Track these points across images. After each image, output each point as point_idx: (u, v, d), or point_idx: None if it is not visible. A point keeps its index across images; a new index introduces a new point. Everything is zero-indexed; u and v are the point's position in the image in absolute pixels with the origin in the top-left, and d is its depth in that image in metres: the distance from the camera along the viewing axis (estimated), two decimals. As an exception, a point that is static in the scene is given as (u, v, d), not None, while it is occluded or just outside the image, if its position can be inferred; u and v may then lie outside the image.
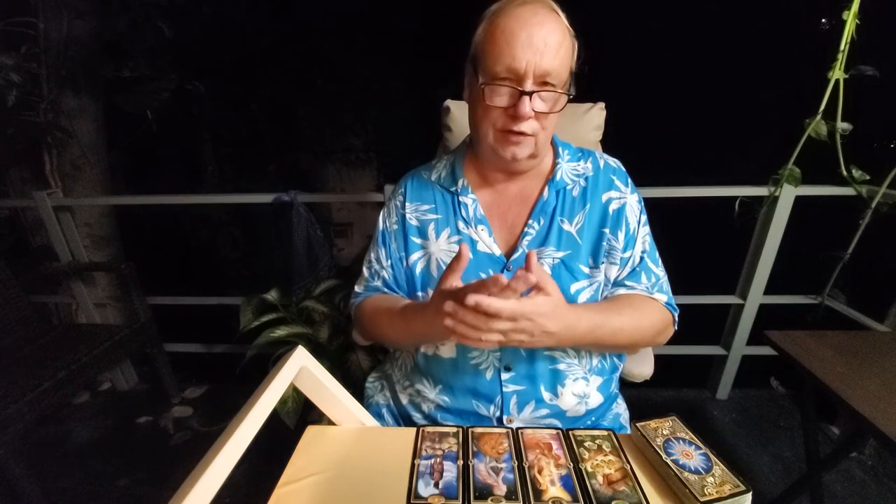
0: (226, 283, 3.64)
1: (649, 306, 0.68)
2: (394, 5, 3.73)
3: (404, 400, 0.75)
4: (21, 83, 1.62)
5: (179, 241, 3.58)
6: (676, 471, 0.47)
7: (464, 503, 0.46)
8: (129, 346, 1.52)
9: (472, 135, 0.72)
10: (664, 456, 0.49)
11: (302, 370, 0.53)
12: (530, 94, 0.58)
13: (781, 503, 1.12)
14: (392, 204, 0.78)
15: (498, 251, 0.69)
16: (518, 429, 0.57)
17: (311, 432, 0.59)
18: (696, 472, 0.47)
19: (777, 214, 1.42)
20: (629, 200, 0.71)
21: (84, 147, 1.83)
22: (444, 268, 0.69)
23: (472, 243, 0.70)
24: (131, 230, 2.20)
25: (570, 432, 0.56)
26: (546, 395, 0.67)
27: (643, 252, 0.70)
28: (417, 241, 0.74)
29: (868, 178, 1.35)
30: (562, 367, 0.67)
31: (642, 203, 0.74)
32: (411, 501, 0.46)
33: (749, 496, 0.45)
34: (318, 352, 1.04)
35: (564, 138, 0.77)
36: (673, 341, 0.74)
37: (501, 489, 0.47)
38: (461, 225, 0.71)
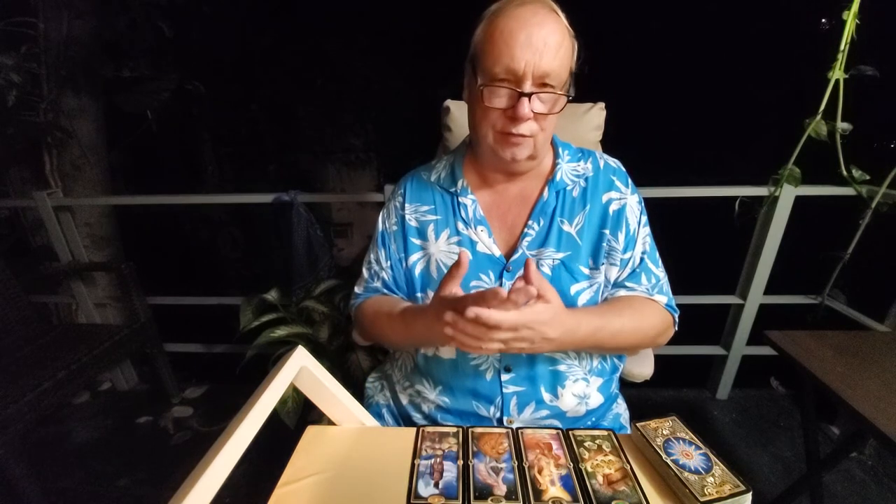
0: (226, 283, 3.64)
1: (649, 308, 0.68)
2: (394, 5, 3.73)
3: (404, 400, 0.75)
4: (21, 83, 1.62)
5: (179, 241, 3.58)
6: (676, 471, 0.47)
7: (464, 503, 0.46)
8: (129, 346, 1.52)
9: (471, 136, 0.72)
10: (664, 456, 0.49)
11: (302, 370, 0.53)
12: (529, 95, 0.58)
13: (781, 503, 1.12)
14: (391, 205, 0.78)
15: (497, 252, 0.69)
16: (518, 429, 0.57)
17: (311, 432, 0.59)
18: (696, 472, 0.47)
19: (777, 214, 1.42)
20: (629, 201, 0.70)
21: (84, 147, 1.83)
22: (444, 269, 0.70)
23: (472, 244, 0.70)
24: (131, 230, 2.20)
25: (570, 432, 0.56)
26: (546, 397, 0.67)
27: (643, 253, 0.70)
28: (417, 242, 0.74)
29: (868, 178, 1.35)
30: (562, 368, 0.67)
31: (642, 203, 0.73)
32: (411, 501, 0.46)
33: (749, 496, 0.45)
34: (318, 352, 1.04)
35: (564, 138, 0.77)
36: (673, 341, 0.74)
37: (501, 489, 0.47)
38: (461, 226, 0.71)
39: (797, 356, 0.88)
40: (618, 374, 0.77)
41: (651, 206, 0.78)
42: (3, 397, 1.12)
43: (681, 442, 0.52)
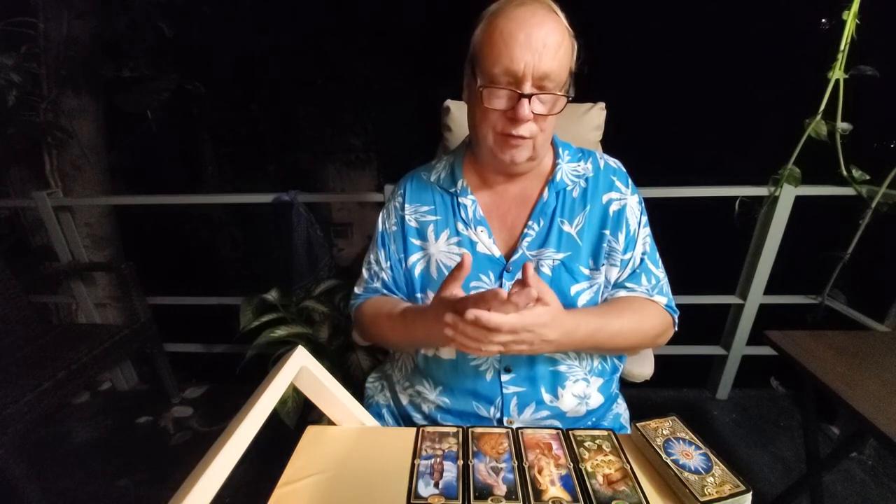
0: (226, 283, 3.64)
1: (649, 309, 0.68)
2: (394, 5, 3.73)
3: (404, 400, 0.75)
4: (21, 83, 1.62)
5: (179, 241, 3.58)
6: (676, 471, 0.47)
7: (464, 503, 0.46)
8: (129, 346, 1.52)
9: (471, 136, 0.72)
10: (664, 456, 0.49)
11: (302, 370, 0.53)
12: (529, 96, 0.58)
13: (781, 503, 1.12)
14: (391, 205, 0.78)
15: (497, 252, 0.69)
16: (518, 429, 0.57)
17: (311, 432, 0.59)
18: (696, 472, 0.47)
19: (777, 214, 1.42)
20: (629, 201, 0.70)
21: (84, 147, 1.83)
22: (444, 269, 0.70)
23: (472, 244, 0.70)
24: (131, 230, 2.20)
25: (570, 432, 0.56)
26: (546, 397, 0.67)
27: (643, 254, 0.70)
28: (417, 242, 0.73)
29: (868, 178, 1.35)
30: (562, 368, 0.67)
31: (643, 204, 0.73)
32: (411, 501, 0.46)
33: (749, 496, 0.45)
34: (318, 352, 1.04)
35: (564, 138, 0.77)
36: (673, 341, 0.74)
37: (501, 489, 0.47)
38: (460, 226, 0.71)
39: (797, 356, 0.88)
40: (618, 375, 0.77)
41: (651, 206, 0.78)
42: (3, 397, 1.12)
43: (681, 442, 0.52)
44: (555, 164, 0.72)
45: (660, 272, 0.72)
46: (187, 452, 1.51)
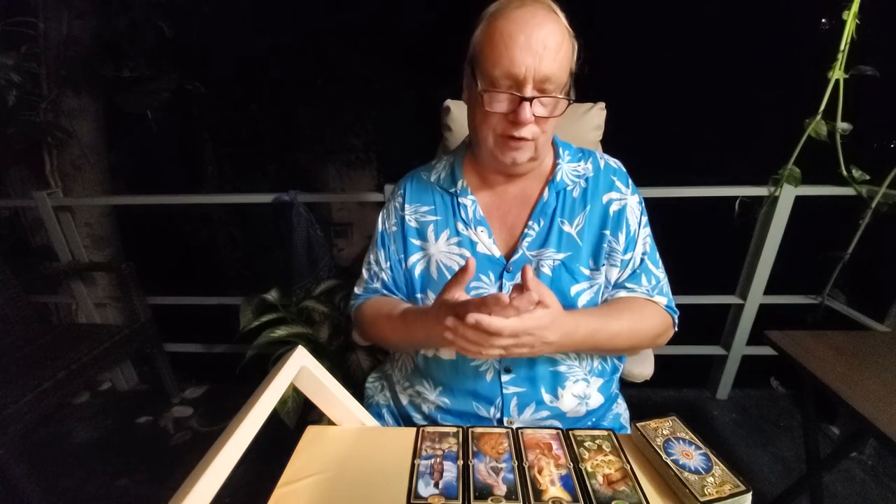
0: (226, 283, 3.64)
1: (649, 309, 0.68)
2: (394, 5, 3.73)
3: (404, 400, 0.75)
4: (21, 83, 1.63)
5: (179, 241, 3.59)
6: (676, 471, 0.47)
7: (464, 503, 0.46)
8: (129, 346, 1.52)
9: (471, 137, 0.72)
10: (664, 456, 0.49)
11: (302, 370, 0.53)
12: (530, 99, 0.57)
13: (781, 503, 1.12)
14: (391, 205, 0.78)
15: (497, 253, 0.69)
16: (518, 429, 0.57)
17: (311, 432, 0.59)
18: (696, 472, 0.47)
19: (777, 214, 1.42)
20: (630, 202, 0.70)
21: (84, 147, 1.83)
22: (444, 269, 0.70)
23: (472, 245, 0.70)
24: (131, 230, 2.20)
25: (570, 432, 0.56)
26: (546, 397, 0.67)
27: (643, 254, 0.70)
28: (417, 242, 0.73)
29: (868, 178, 1.35)
30: (562, 368, 0.67)
31: (643, 204, 0.73)
32: (411, 501, 0.46)
33: (749, 496, 0.45)
34: (318, 352, 1.04)
35: (564, 138, 0.77)
36: (673, 341, 0.74)
37: (501, 489, 0.47)
38: (461, 226, 0.71)
39: (797, 356, 0.88)
40: (618, 375, 0.77)
41: (651, 206, 0.78)
42: (3, 397, 1.12)
43: (681, 442, 0.52)
44: (555, 164, 0.72)
45: (660, 272, 0.72)
46: (187, 452, 1.51)
